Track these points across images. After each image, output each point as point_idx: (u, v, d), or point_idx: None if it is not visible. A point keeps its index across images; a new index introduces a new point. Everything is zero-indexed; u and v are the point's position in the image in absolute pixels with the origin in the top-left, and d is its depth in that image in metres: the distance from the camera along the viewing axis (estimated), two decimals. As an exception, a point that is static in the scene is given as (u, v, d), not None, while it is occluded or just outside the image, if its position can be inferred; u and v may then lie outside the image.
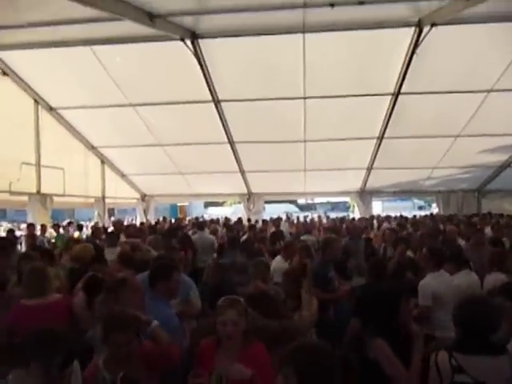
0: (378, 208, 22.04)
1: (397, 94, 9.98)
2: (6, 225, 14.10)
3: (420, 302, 3.96)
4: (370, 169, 13.74)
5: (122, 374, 2.34)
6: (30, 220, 11.18)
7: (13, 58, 9.95)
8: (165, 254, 4.69)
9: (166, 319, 2.95)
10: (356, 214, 16.25)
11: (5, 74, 10.26)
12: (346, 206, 34.01)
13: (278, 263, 5.36)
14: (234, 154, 12.96)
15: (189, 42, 8.57)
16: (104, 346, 2.47)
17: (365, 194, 15.46)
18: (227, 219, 14.49)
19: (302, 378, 1.65)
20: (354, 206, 20.01)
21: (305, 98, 10.28)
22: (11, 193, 10.29)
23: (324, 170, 13.77)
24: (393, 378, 2.54)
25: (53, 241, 10.37)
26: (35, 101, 11.23)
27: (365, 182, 14.78)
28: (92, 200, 13.94)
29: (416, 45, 8.38)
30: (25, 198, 10.92)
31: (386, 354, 2.58)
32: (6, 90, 10.36)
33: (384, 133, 11.59)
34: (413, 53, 8.60)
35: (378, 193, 15.96)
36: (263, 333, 2.70)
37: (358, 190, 15.38)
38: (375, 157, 12.88)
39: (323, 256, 4.97)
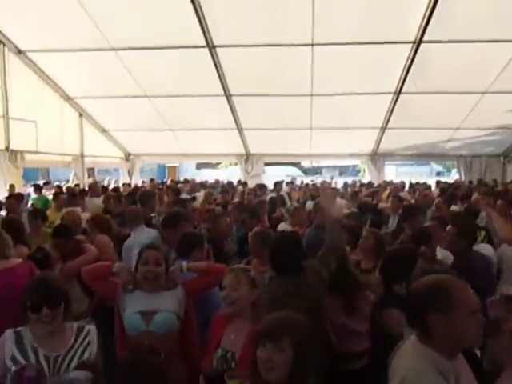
0: (391, 173, 21.91)
1: (418, 43, 9.42)
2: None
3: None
4: (383, 128, 13.35)
5: None
6: (-1, 180, 10.98)
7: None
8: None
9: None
10: (366, 179, 16.05)
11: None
12: (355, 171, 33.85)
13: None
14: (231, 109, 12.59)
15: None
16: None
17: (377, 157, 15.17)
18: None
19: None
20: (364, 171, 19.90)
21: (312, 45, 9.74)
22: (-25, 148, 10.02)
23: (332, 129, 13.41)
24: None
25: (31, 202, 10.21)
26: (0, 42, 10.70)
27: (377, 144, 14.45)
28: (69, 158, 13.68)
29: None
30: (-9, 155, 10.62)
31: None
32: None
33: (401, 87, 11.14)
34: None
35: (392, 156, 15.66)
36: None
37: (369, 153, 15.09)
38: (390, 115, 12.47)
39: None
